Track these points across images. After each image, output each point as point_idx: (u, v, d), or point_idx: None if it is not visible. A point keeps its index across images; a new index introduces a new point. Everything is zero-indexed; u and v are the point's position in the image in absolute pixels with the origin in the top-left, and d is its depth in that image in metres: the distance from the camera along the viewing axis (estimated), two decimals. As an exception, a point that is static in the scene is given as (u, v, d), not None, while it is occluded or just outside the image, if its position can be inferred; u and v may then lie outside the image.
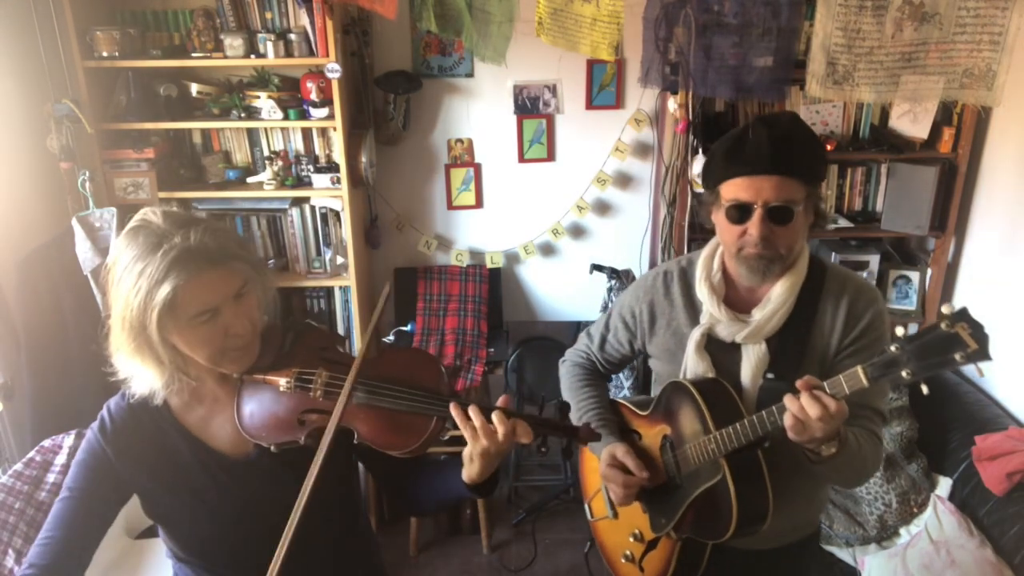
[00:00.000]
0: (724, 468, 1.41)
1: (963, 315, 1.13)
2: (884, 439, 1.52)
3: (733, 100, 2.74)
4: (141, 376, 1.26)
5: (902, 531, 2.46)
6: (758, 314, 1.50)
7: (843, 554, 2.50)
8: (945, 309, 1.13)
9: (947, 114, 2.77)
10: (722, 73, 2.47)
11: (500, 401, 1.25)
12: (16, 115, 2.54)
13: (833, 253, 2.96)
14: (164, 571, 2.24)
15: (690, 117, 2.65)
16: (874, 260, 2.96)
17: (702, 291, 1.57)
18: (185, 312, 1.18)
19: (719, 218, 1.49)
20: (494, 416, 1.22)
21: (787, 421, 1.29)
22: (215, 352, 1.24)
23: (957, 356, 1.12)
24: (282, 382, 1.28)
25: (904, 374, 1.16)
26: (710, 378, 1.52)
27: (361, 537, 1.55)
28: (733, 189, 1.43)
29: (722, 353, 1.54)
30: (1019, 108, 2.51)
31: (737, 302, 1.55)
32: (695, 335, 1.54)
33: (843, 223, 2.93)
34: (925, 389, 1.17)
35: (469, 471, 1.28)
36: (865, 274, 2.97)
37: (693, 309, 1.60)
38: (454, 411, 1.22)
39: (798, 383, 1.28)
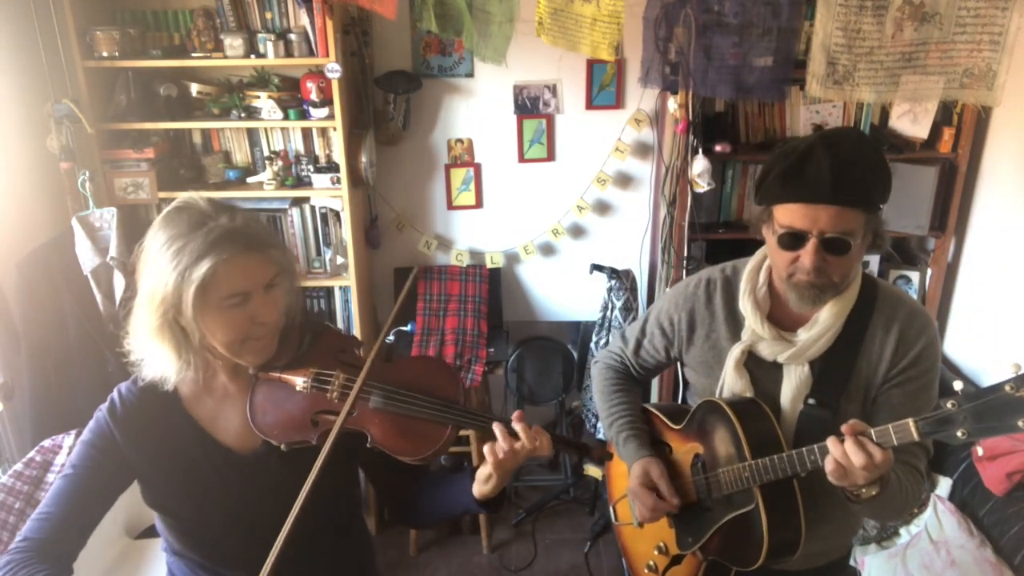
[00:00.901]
0: (758, 498, 1.37)
1: None
2: (925, 473, 1.48)
3: (733, 100, 2.74)
4: (155, 359, 1.26)
5: (902, 531, 2.46)
6: (804, 335, 1.44)
7: (843, 554, 2.51)
8: (1013, 370, 1.07)
9: (947, 114, 2.77)
10: (722, 73, 2.47)
11: (515, 416, 1.27)
12: (16, 115, 2.54)
13: (833, 253, 2.96)
14: (164, 571, 2.24)
15: (690, 117, 2.65)
16: (874, 260, 2.96)
17: (746, 305, 1.50)
18: (218, 292, 1.19)
19: (771, 240, 1.41)
20: (517, 428, 1.24)
21: (828, 465, 1.23)
22: (237, 339, 1.24)
23: (1020, 423, 1.06)
24: (299, 382, 1.29)
25: (959, 434, 1.11)
26: (748, 399, 1.47)
27: (357, 539, 1.55)
28: (788, 215, 1.34)
29: (762, 372, 1.49)
30: (1019, 108, 2.50)
31: (782, 319, 1.48)
32: (735, 352, 1.49)
33: (843, 223, 2.93)
34: (980, 451, 1.12)
35: (483, 488, 1.29)
36: (865, 274, 2.97)
37: (735, 322, 1.53)
38: (496, 430, 1.24)
39: (843, 427, 1.22)
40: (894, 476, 1.32)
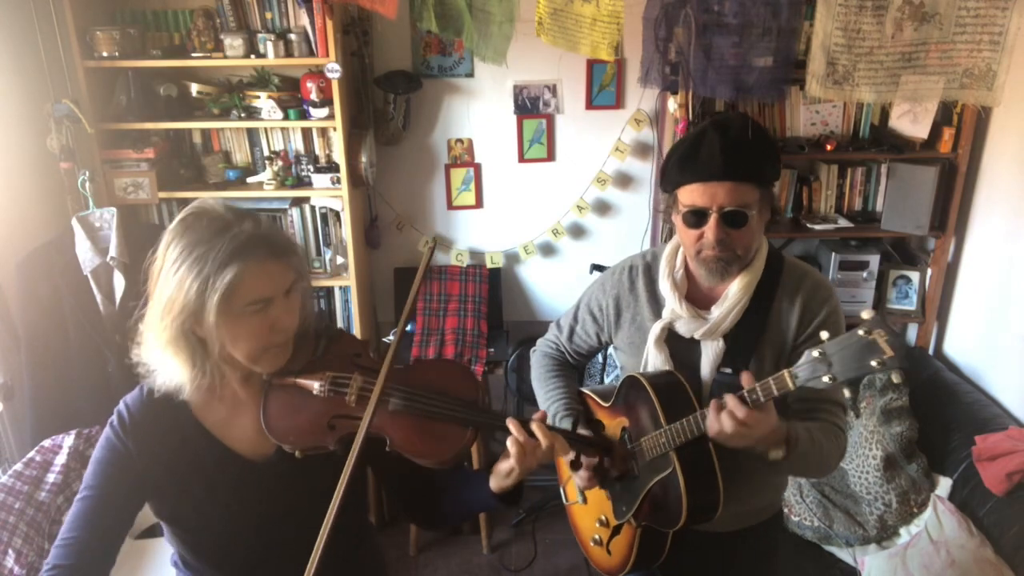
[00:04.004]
0: (674, 461, 1.45)
1: (880, 322, 1.16)
2: (848, 428, 1.58)
3: (733, 100, 2.74)
4: (169, 369, 1.23)
5: (902, 531, 2.46)
6: (716, 311, 1.55)
7: (843, 554, 2.50)
8: (865, 315, 1.17)
9: (947, 114, 2.77)
10: (722, 73, 2.46)
11: (537, 416, 1.29)
12: (16, 115, 2.54)
13: (833, 253, 2.96)
14: (164, 572, 2.24)
15: (690, 117, 2.65)
16: (874, 260, 2.96)
17: (664, 287, 1.61)
18: (242, 298, 1.17)
19: (678, 222, 1.53)
20: (535, 428, 1.25)
21: (709, 431, 1.35)
22: (257, 347, 1.22)
23: (874, 363, 1.15)
24: (316, 386, 1.28)
25: (826, 379, 1.20)
26: (665, 372, 1.57)
27: (365, 538, 1.55)
28: (689, 195, 1.47)
29: (681, 347, 1.59)
30: (1019, 108, 2.50)
31: (698, 298, 1.60)
32: (655, 329, 1.59)
33: (843, 223, 2.93)
34: (847, 392, 1.21)
35: (503, 483, 1.30)
36: (865, 274, 2.97)
37: (656, 304, 1.64)
38: (511, 425, 1.25)
39: (726, 395, 1.33)
40: (805, 434, 1.42)
